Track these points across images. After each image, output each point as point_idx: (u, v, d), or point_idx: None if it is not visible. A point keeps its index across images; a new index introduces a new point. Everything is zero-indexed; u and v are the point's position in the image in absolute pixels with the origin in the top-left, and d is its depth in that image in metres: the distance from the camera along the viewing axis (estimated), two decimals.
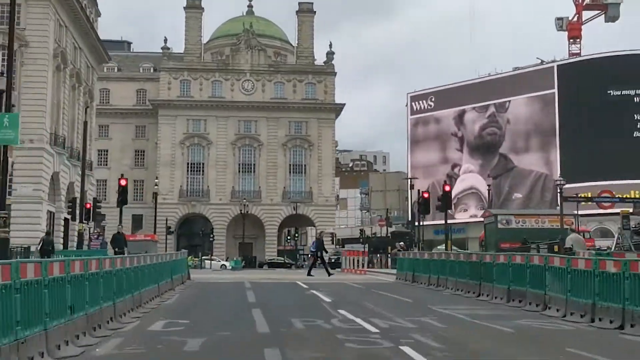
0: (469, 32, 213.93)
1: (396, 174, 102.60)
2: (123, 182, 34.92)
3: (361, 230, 76.44)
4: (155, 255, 19.38)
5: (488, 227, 30.01)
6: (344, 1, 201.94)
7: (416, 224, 59.85)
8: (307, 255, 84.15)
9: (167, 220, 72.55)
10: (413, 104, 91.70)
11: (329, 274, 30.49)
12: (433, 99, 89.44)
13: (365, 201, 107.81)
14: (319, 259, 32.89)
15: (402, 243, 39.72)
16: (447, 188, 31.31)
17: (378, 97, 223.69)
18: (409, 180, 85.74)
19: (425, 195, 39.18)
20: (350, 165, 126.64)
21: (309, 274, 31.65)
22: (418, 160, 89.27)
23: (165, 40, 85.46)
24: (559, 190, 48.45)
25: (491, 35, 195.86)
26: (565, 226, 27.06)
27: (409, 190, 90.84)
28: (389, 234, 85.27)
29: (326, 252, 35.18)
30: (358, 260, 36.60)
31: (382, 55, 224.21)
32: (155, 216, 58.85)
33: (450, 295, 18.38)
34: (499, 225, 27.97)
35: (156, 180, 58.40)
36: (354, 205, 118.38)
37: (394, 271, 30.49)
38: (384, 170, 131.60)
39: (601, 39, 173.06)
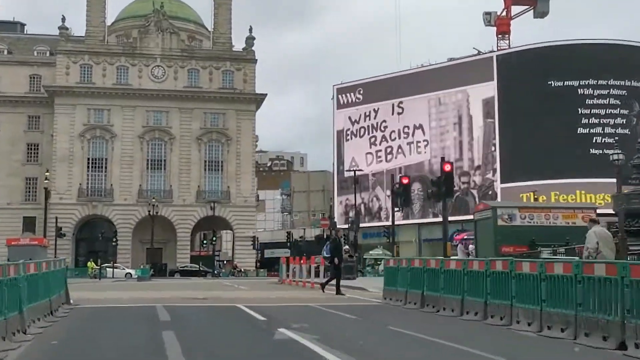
0: (395, 32, 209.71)
1: (321, 173, 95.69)
2: None
3: (288, 233, 68.71)
4: None
5: (481, 225, 22.84)
6: (258, 8, 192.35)
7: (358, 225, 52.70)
8: (226, 262, 75.76)
9: (57, 220, 62.83)
10: (340, 96, 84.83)
11: (339, 292, 20.85)
12: (361, 92, 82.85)
13: (287, 203, 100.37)
14: (333, 267, 22.35)
15: (347, 247, 32.41)
16: (448, 167, 23.70)
17: (294, 101, 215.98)
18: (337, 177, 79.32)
19: (405, 180, 31.74)
20: (268, 164, 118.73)
21: (323, 290, 22.04)
22: (348, 156, 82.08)
23: (63, 19, 75.31)
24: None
25: (418, 36, 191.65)
26: (582, 223, 20.03)
27: (335, 190, 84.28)
28: (314, 237, 78.09)
29: (346, 256, 26.58)
30: (302, 269, 28.32)
31: (299, 60, 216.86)
32: (46, 217, 49.54)
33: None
34: (499, 222, 20.76)
35: (46, 174, 48.74)
36: (272, 207, 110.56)
37: (344, 283, 22.72)
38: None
39: (530, 35, 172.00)
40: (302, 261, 28.61)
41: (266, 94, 77.79)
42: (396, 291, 16.35)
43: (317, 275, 26.93)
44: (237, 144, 76.21)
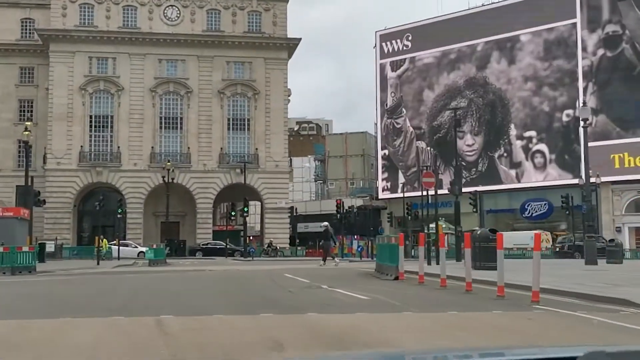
0: None
1: (359, 135, 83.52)
2: None
3: (339, 203, 56.57)
4: None
5: None
6: None
7: (424, 193, 40.81)
8: (252, 237, 63.96)
9: (31, 183, 50.95)
10: (384, 44, 72.73)
11: None
12: (410, 37, 70.62)
13: (320, 170, 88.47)
14: None
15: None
16: None
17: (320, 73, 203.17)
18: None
19: None
20: (296, 129, 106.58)
21: None
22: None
23: None
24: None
25: None
26: None
27: (379, 151, 72.32)
28: (369, 207, 65.98)
29: None
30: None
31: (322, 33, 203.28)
32: (27, 182, 37.55)
33: None
34: None
35: (25, 133, 36.87)
36: (301, 176, 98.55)
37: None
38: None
39: None
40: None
41: (300, 39, 65.55)
42: None
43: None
44: (266, 99, 64.30)
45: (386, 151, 70.75)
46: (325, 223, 33.78)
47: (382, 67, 71.91)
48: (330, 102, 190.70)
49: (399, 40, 71.03)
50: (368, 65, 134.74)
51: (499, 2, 65.09)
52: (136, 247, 54.70)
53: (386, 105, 71.36)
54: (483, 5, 66.57)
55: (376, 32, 73.17)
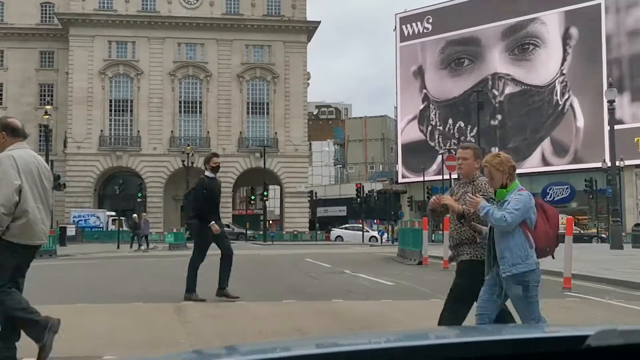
0: None
1: (379, 119, 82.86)
2: None
3: (359, 187, 56.06)
4: None
5: None
6: None
7: (445, 177, 40.34)
8: (272, 222, 63.69)
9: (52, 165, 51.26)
10: (404, 27, 71.89)
11: None
12: (431, 20, 69.71)
13: (340, 154, 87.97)
14: None
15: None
16: None
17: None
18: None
19: None
20: (315, 113, 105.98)
21: None
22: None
23: None
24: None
25: None
26: None
27: (399, 134, 71.67)
28: (389, 191, 65.29)
29: None
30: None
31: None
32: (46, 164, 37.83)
33: None
34: None
35: (45, 117, 36.72)
36: (320, 160, 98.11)
37: None
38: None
39: None
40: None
41: (319, 22, 64.97)
42: None
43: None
44: (286, 83, 63.86)
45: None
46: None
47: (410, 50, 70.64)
48: (363, 87, 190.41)
49: (419, 23, 70.17)
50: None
51: None
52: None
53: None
54: None
55: (396, 14, 72.39)
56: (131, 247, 35.34)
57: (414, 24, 70.75)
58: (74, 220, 55.23)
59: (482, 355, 1.33)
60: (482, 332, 1.70)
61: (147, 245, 35.05)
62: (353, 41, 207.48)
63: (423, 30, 69.95)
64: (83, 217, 57.52)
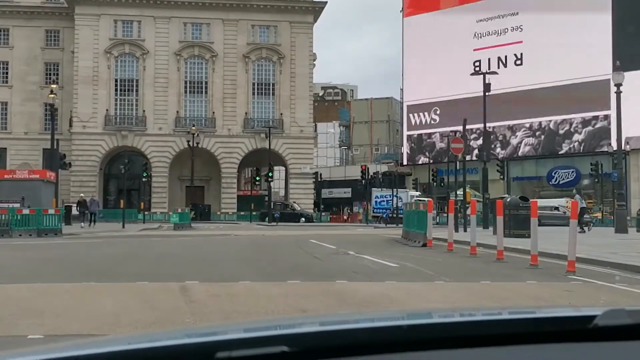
0: None
1: (385, 101, 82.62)
2: None
3: (364, 169, 56.11)
4: None
5: None
6: None
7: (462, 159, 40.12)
8: (281, 204, 63.71)
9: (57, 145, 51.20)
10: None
11: None
12: None
13: (345, 135, 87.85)
14: None
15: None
16: None
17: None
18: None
19: None
20: (320, 94, 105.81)
21: None
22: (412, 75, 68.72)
23: None
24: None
25: None
26: None
27: (405, 118, 71.48)
28: (393, 172, 65.31)
29: None
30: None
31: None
32: (52, 145, 37.72)
33: None
34: None
35: (51, 96, 36.86)
36: (326, 141, 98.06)
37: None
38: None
39: None
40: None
41: (326, 2, 64.64)
42: None
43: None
44: (291, 64, 63.69)
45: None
46: None
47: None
48: (380, 68, 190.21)
49: None
50: None
51: None
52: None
53: None
54: None
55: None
56: (82, 224, 38.40)
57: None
58: None
59: (490, 333, 1.34)
60: (490, 312, 1.72)
61: (94, 222, 40.01)
62: (370, 22, 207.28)
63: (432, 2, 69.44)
64: None
